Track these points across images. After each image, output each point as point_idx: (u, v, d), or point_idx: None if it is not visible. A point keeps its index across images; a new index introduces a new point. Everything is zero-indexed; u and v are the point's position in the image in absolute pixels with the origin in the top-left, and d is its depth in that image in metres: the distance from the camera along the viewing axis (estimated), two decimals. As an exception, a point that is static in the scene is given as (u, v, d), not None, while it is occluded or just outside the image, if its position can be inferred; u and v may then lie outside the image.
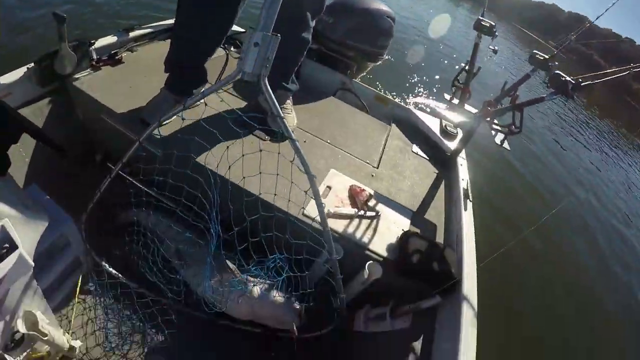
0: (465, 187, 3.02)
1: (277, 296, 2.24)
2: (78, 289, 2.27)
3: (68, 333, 2.10)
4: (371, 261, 2.33)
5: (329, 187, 2.64)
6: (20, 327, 1.56)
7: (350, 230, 2.43)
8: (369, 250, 2.38)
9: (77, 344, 2.03)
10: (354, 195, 2.60)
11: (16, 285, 1.51)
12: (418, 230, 2.55)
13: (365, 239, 2.42)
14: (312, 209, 2.40)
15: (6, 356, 1.40)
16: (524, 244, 5.37)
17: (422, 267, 2.27)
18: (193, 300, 2.32)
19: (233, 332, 2.43)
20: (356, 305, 2.51)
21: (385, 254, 2.39)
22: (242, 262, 2.08)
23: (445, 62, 12.60)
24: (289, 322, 2.20)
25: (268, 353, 2.44)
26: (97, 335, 2.21)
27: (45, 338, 1.67)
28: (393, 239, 2.49)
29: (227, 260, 2.21)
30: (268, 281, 2.23)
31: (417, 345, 2.11)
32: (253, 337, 2.42)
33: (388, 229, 2.53)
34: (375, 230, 2.50)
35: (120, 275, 2.33)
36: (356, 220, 2.49)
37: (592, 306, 5.20)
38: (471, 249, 2.47)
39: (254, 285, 2.24)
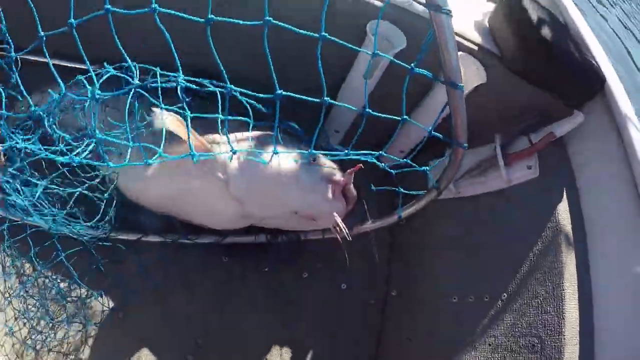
0: None
1: (286, 161, 1.14)
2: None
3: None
4: (462, 52, 1.28)
5: None
6: None
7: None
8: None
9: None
10: None
11: None
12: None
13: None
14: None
15: None
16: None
17: (560, 59, 1.24)
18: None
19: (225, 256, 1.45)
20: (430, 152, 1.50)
21: (479, 39, 1.31)
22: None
23: None
24: (324, 214, 1.16)
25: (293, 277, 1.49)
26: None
27: None
28: (477, 14, 1.40)
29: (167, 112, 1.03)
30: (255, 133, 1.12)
31: (562, 212, 1.24)
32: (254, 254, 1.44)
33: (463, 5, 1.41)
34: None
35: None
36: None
37: None
38: (590, 35, 1.43)
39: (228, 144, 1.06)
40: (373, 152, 1.04)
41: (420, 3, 1.20)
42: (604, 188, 1.26)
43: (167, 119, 0.99)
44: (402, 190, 1.11)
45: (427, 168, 1.05)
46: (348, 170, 1.16)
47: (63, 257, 1.19)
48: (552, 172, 1.32)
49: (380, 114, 0.89)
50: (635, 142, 1.18)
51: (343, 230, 1.14)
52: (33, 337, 1.25)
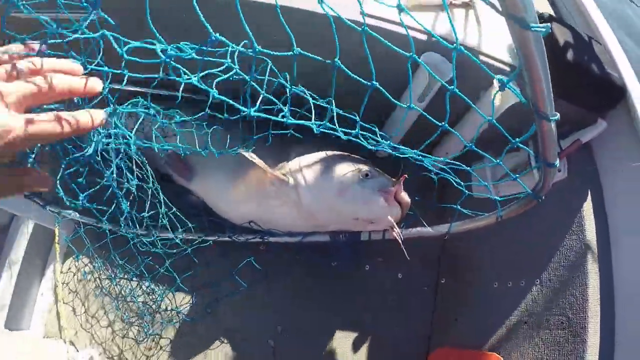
0: None
1: (344, 178, 1.30)
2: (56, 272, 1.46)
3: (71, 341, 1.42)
4: (500, 75, 1.35)
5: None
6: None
7: (443, 29, 1.40)
8: (485, 55, 1.40)
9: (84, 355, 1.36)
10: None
11: None
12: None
13: (472, 40, 1.41)
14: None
15: None
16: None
17: (584, 75, 1.35)
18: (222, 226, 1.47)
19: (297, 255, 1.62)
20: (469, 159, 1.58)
21: (510, 60, 1.43)
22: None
23: None
24: (381, 219, 1.31)
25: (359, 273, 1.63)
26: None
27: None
28: (508, 37, 1.45)
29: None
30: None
31: (587, 209, 1.36)
32: (323, 251, 1.57)
33: (493, 23, 1.51)
34: (478, 24, 1.46)
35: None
36: (442, 14, 1.44)
37: None
38: (612, 40, 1.51)
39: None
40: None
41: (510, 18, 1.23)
42: (625, 188, 1.35)
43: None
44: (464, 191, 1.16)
45: (517, 175, 1.10)
46: (396, 180, 1.29)
47: (167, 266, 1.37)
48: (579, 174, 1.43)
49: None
50: None
51: (397, 232, 1.29)
52: (134, 329, 1.47)
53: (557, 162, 0.90)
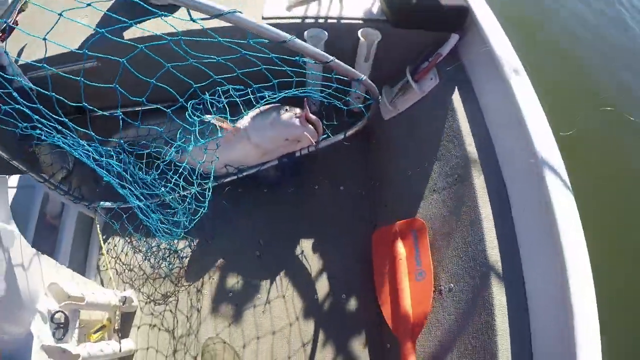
0: None
1: (271, 116, 1.88)
2: (102, 242, 2.04)
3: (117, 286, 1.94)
4: (361, 29, 1.91)
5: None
6: (50, 303, 1.31)
7: (315, 11, 1.98)
8: (349, 19, 1.95)
9: (126, 293, 1.83)
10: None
11: (18, 262, 1.20)
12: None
13: (336, 12, 1.98)
14: (270, 8, 1.96)
15: (63, 346, 1.26)
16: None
17: (424, 8, 1.81)
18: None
19: (265, 189, 2.15)
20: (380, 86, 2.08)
21: (374, 15, 1.95)
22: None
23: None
24: (301, 136, 1.84)
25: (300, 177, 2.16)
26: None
27: (84, 302, 1.42)
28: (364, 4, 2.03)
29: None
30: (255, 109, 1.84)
31: (457, 98, 1.74)
32: (281, 183, 2.15)
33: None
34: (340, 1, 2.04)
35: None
36: (314, 3, 2.02)
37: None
38: None
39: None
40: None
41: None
42: (486, 78, 1.70)
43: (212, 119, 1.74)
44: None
45: (363, 106, 1.71)
46: (304, 106, 1.80)
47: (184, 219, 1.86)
48: (451, 77, 1.82)
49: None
50: (496, 46, 1.59)
51: (313, 143, 1.84)
52: (162, 270, 1.96)
53: (363, 77, 1.44)
